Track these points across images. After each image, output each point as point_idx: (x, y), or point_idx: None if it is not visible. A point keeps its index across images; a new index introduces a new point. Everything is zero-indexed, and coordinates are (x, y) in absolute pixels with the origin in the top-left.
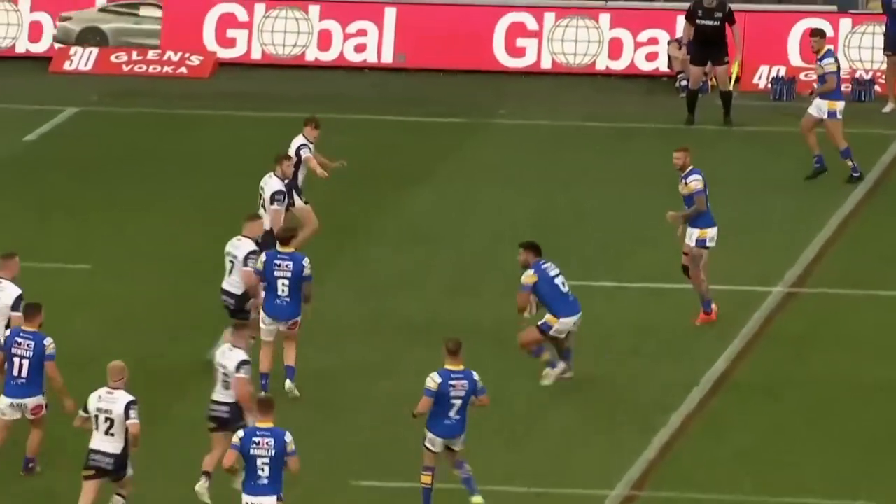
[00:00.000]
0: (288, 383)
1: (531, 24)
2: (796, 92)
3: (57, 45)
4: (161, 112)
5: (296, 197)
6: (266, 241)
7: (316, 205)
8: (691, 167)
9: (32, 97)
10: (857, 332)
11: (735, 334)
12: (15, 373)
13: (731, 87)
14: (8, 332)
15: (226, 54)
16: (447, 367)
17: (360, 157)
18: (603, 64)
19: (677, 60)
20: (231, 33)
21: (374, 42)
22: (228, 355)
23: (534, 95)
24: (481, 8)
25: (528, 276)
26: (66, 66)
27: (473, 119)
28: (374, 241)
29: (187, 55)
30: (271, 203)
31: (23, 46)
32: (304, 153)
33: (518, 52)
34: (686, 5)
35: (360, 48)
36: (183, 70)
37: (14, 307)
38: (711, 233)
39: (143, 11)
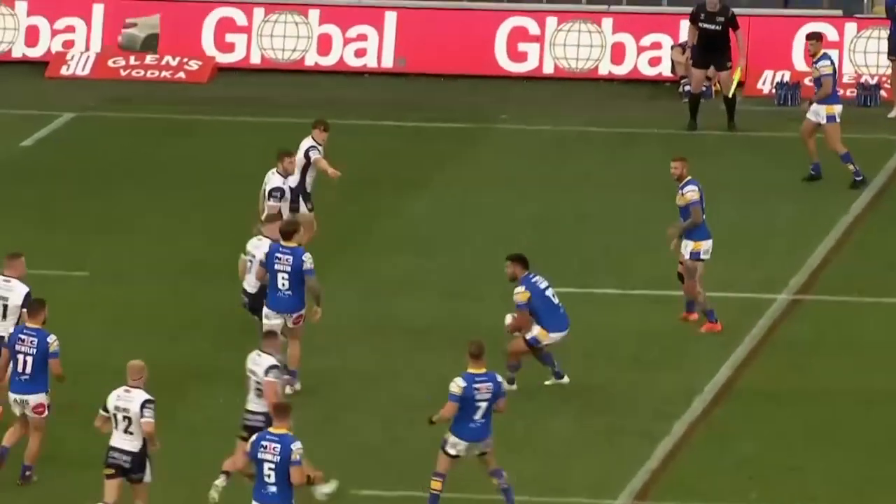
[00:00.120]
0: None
1: (533, 28)
2: (801, 97)
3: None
4: (159, 117)
5: (301, 203)
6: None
7: (317, 209)
8: (689, 178)
9: (29, 102)
10: (863, 339)
11: (739, 341)
12: (19, 369)
13: (733, 93)
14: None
15: (225, 59)
16: (470, 370)
17: (360, 162)
18: (606, 69)
19: (680, 65)
20: (230, 38)
21: (375, 47)
22: (258, 361)
23: (536, 100)
24: (483, 12)
25: (522, 294)
26: (64, 71)
27: (475, 124)
28: (375, 246)
29: (186, 60)
30: (268, 199)
31: (19, 51)
32: (314, 155)
33: (520, 57)
34: (689, 10)
35: (360, 53)
36: (181, 75)
37: (24, 305)
38: (706, 245)
39: None
